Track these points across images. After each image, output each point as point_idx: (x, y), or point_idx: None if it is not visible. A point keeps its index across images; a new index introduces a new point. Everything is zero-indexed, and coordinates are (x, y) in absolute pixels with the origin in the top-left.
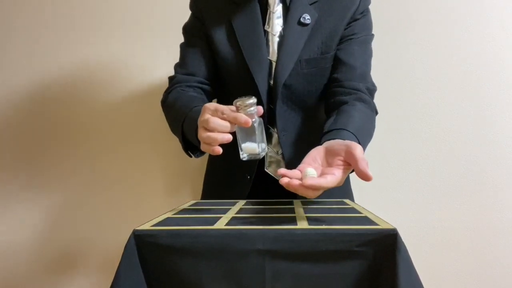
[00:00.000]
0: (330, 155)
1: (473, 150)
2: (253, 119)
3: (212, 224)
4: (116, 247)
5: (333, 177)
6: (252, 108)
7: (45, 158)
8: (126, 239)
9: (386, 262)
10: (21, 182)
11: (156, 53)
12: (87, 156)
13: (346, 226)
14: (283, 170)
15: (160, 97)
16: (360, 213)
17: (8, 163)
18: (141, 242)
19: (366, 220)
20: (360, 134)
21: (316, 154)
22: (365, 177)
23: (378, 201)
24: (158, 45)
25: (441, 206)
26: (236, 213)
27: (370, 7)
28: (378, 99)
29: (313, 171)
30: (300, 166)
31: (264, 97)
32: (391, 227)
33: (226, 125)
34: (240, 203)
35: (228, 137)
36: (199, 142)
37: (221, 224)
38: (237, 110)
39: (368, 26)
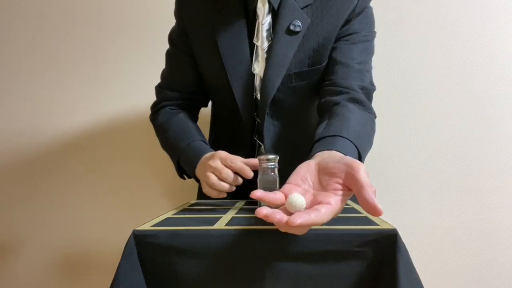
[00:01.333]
0: (324, 174)
1: (473, 150)
2: (273, 173)
3: (212, 224)
4: (116, 247)
5: (329, 209)
6: (272, 164)
7: (46, 160)
8: (126, 239)
9: (386, 262)
10: (22, 184)
11: (153, 57)
12: (87, 157)
13: (346, 226)
14: (258, 193)
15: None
16: (360, 213)
17: (9, 165)
18: (141, 242)
19: (366, 220)
20: (359, 141)
21: (307, 172)
22: (372, 210)
23: (378, 201)
24: (154, 49)
25: (441, 206)
26: (236, 213)
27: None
28: (377, 99)
29: (302, 200)
30: (285, 187)
31: (244, 112)
32: (391, 227)
33: (238, 180)
34: (240, 203)
35: (233, 190)
36: (196, 178)
37: (221, 224)
38: (259, 163)
39: (368, 23)
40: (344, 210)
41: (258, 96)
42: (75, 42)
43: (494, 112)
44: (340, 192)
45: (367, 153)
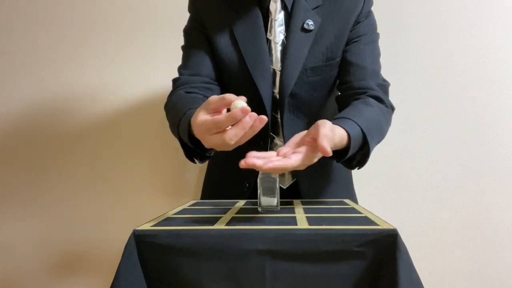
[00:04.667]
0: (306, 136)
1: (473, 150)
2: (275, 176)
3: (212, 224)
4: (116, 247)
5: (298, 156)
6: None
7: (45, 159)
8: (126, 239)
9: (386, 262)
10: (21, 183)
11: (156, 55)
12: (87, 157)
13: (346, 226)
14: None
15: (160, 97)
16: (360, 213)
17: (8, 164)
18: (141, 242)
19: (366, 220)
20: (365, 124)
21: (296, 140)
22: (323, 152)
23: (378, 201)
24: (158, 47)
25: (441, 206)
26: (236, 213)
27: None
28: None
29: (242, 103)
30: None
31: (268, 106)
32: (391, 227)
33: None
34: (240, 203)
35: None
36: (196, 146)
37: (221, 224)
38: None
39: (373, 26)
40: (344, 210)
41: (275, 90)
42: (76, 41)
43: (495, 112)
44: (309, 144)
45: (377, 138)
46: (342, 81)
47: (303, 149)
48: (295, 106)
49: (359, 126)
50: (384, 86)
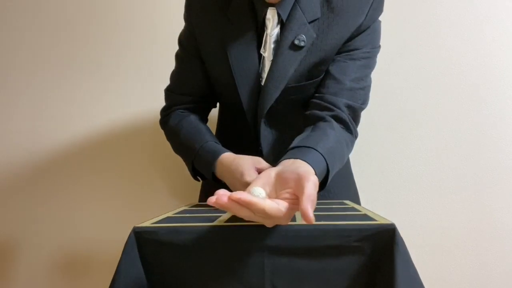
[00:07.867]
0: (280, 183)
1: (473, 150)
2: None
3: (212, 221)
4: (116, 247)
5: (274, 204)
6: None
7: (46, 158)
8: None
9: (384, 257)
10: (21, 182)
11: (155, 56)
12: (88, 157)
13: (345, 222)
14: (221, 191)
15: (161, 97)
16: (359, 211)
17: (10, 164)
18: (141, 238)
19: (365, 217)
20: (331, 157)
21: (266, 181)
22: (305, 217)
23: (378, 201)
24: (157, 48)
25: (441, 206)
26: None
27: None
28: (378, 98)
29: (261, 191)
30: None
31: (252, 121)
32: (389, 222)
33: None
34: None
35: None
36: (213, 179)
37: (221, 220)
38: None
39: (372, 38)
40: (344, 209)
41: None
42: (78, 44)
43: (494, 112)
44: (289, 201)
45: (337, 169)
46: (317, 90)
47: (281, 203)
48: (275, 121)
49: (325, 160)
50: (355, 109)
